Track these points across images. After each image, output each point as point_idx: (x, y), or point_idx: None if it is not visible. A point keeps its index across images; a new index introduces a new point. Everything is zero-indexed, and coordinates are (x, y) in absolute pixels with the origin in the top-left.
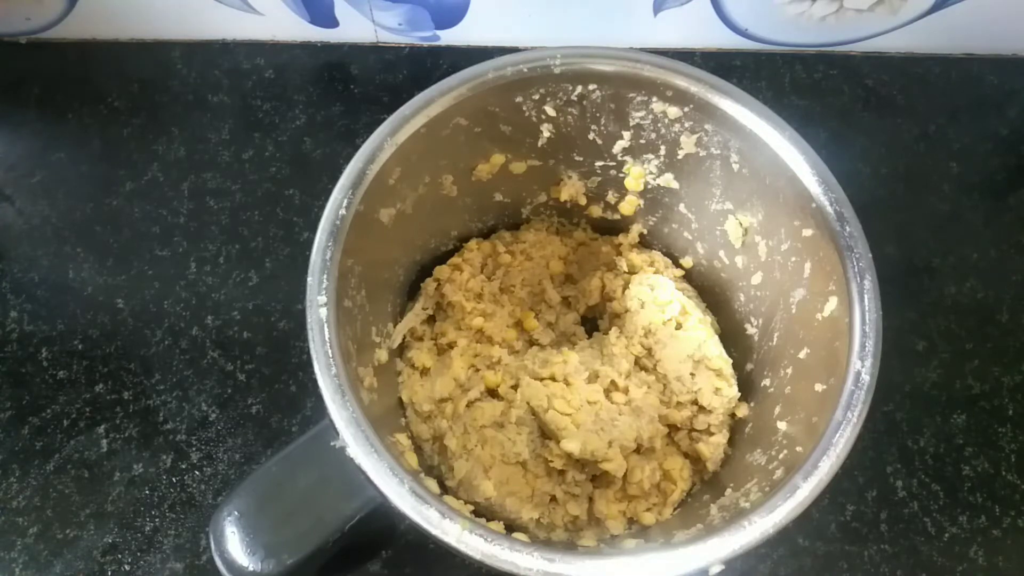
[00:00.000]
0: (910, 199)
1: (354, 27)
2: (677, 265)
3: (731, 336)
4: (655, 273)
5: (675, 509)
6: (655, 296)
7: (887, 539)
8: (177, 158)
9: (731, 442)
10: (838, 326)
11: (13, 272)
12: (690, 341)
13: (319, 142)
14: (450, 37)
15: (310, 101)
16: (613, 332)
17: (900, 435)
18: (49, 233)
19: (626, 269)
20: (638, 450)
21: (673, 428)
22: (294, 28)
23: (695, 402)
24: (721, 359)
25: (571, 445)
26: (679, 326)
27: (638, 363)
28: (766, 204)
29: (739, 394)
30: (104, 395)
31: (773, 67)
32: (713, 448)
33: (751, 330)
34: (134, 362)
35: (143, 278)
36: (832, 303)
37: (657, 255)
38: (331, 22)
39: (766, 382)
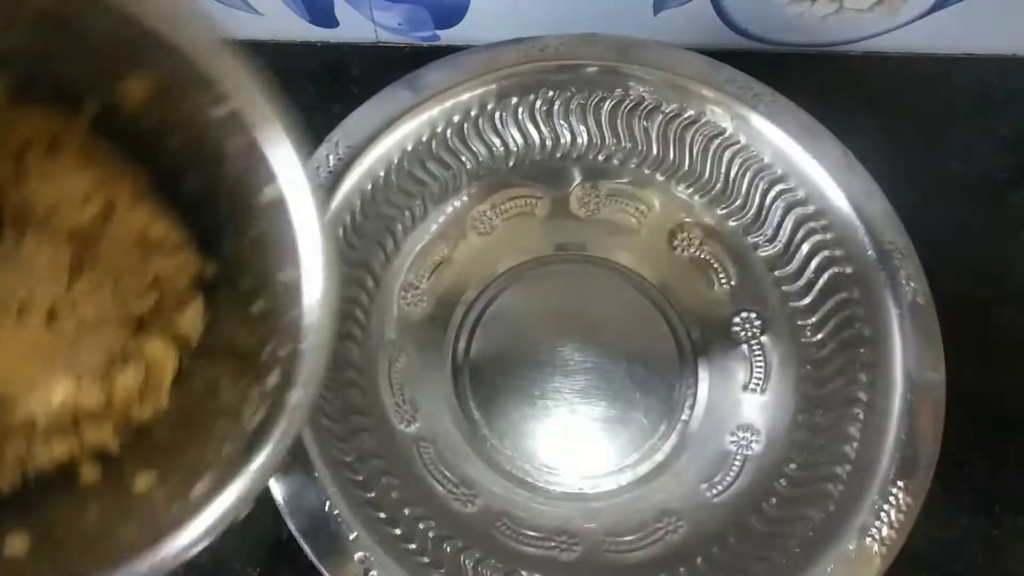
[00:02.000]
0: (910, 199)
1: (354, 27)
2: None
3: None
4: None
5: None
6: (65, 191)
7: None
8: None
9: (211, 303)
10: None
11: None
12: (128, 226)
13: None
14: (450, 37)
15: (310, 101)
16: (30, 241)
17: None
18: None
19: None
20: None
21: (143, 319)
22: (294, 28)
23: (155, 283)
24: (165, 228)
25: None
26: (111, 214)
27: (76, 269)
28: None
29: (198, 252)
30: None
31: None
32: (191, 319)
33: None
34: None
35: None
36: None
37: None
38: (331, 22)
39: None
